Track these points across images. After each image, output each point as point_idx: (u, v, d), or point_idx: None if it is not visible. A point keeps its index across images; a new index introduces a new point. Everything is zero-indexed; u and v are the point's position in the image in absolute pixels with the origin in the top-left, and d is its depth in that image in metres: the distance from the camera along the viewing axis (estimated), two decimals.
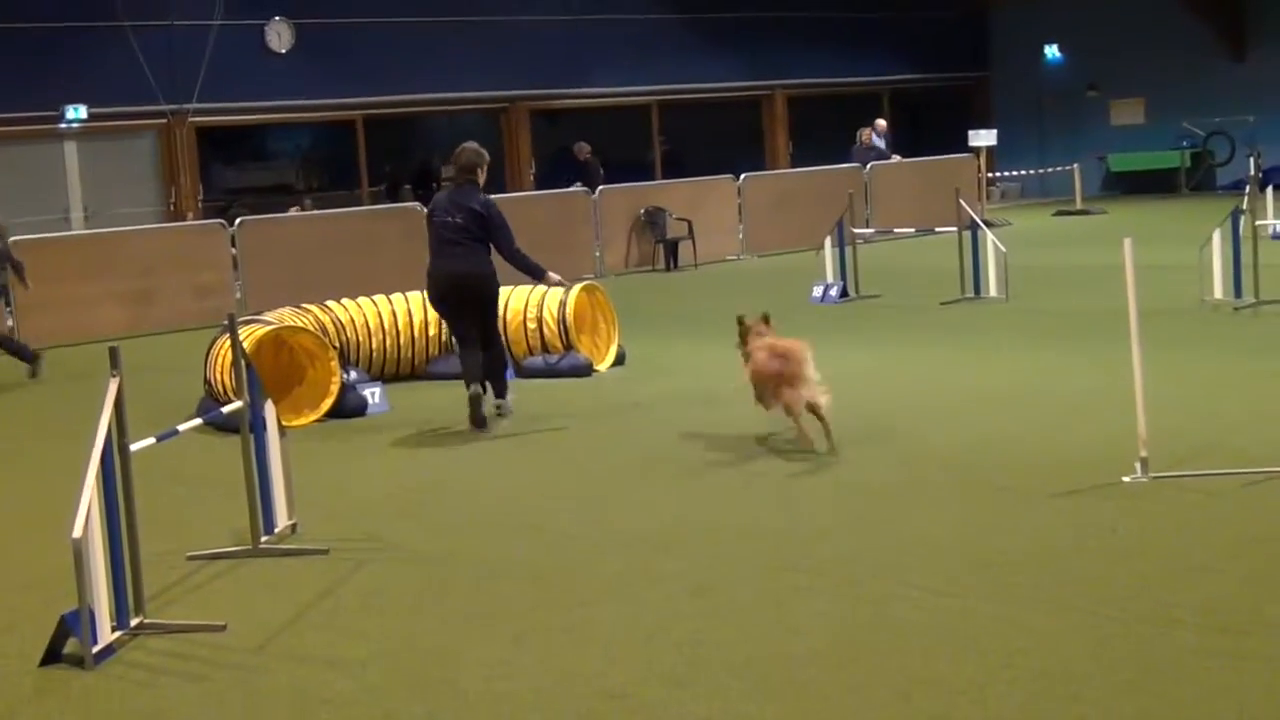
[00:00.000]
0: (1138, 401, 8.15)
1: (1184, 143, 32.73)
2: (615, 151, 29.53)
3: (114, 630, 6.43)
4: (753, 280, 21.53)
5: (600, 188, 24.28)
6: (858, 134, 28.57)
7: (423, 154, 31.34)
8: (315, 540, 8.01)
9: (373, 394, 12.22)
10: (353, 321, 13.43)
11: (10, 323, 18.23)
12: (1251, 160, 18.08)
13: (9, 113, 23.03)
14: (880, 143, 28.53)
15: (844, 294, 17.76)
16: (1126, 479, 8.12)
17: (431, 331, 13.75)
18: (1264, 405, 10.12)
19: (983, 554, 7.02)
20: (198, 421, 8.40)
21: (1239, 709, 5.06)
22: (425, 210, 11.69)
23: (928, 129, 34.03)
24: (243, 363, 7.89)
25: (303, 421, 11.63)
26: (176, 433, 7.61)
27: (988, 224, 18.45)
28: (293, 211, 23.98)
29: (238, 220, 20.64)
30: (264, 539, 7.89)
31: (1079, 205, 29.56)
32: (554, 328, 13.58)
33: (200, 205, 25.08)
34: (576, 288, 13.83)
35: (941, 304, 16.45)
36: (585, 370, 13.43)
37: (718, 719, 5.29)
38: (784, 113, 32.40)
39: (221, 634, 6.54)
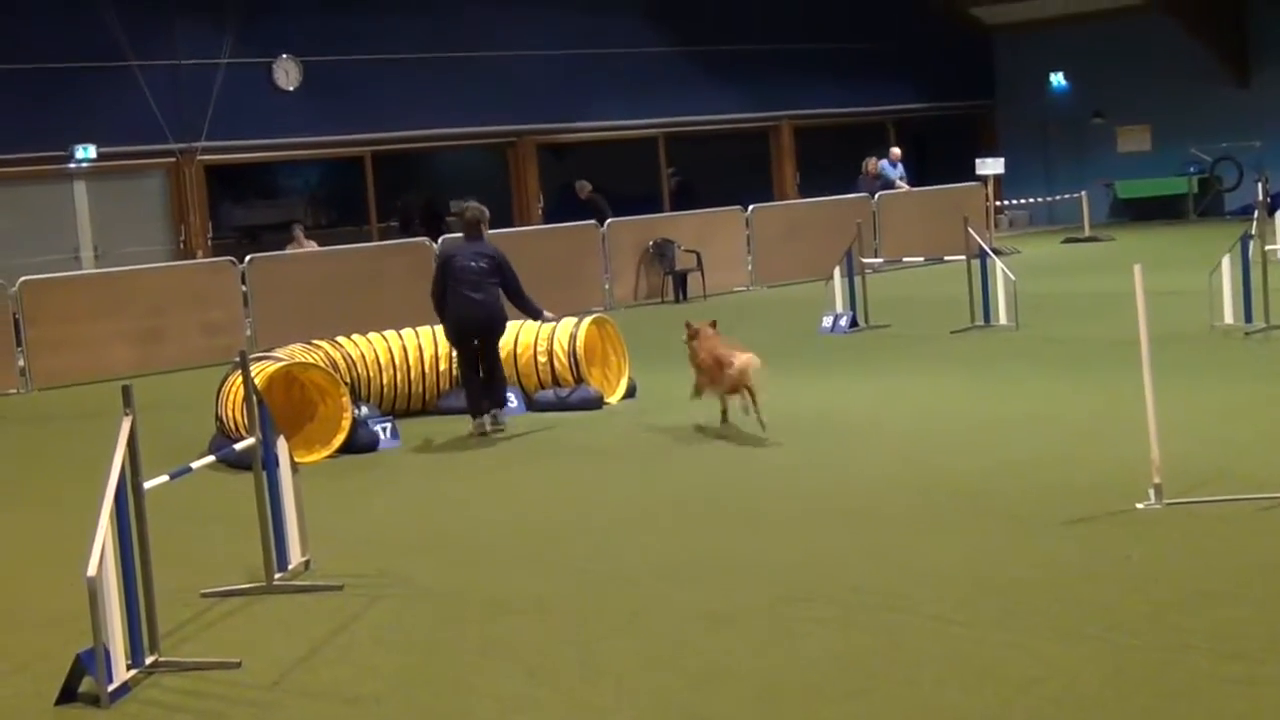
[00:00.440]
0: (1150, 428, 8.15)
1: (1191, 169, 32.73)
2: (622, 184, 29.57)
3: (129, 668, 6.44)
4: (762, 311, 21.53)
5: (609, 220, 24.32)
6: (864, 164, 28.59)
7: (431, 189, 31.42)
8: (329, 576, 8.02)
9: (384, 429, 12.24)
10: (363, 357, 13.45)
11: None
12: (1259, 185, 18.05)
13: (18, 153, 23.12)
14: (894, 172, 28.53)
15: (854, 324, 17.77)
16: (1139, 505, 8.12)
17: (442, 366, 13.77)
18: (1276, 430, 10.11)
19: (995, 582, 7.02)
20: (210, 459, 8.43)
21: None
22: (438, 253, 12.43)
23: (934, 158, 34.07)
24: (255, 399, 7.92)
25: (314, 458, 11.65)
26: (190, 470, 7.63)
27: (996, 252, 18.46)
28: (295, 229, 24.03)
29: (248, 258, 20.68)
30: (278, 575, 7.90)
31: (1087, 232, 29.57)
32: (564, 361, 13.60)
33: (209, 243, 25.15)
34: (587, 320, 13.86)
35: (952, 333, 16.46)
36: (596, 403, 13.44)
37: None
38: (791, 143, 32.45)
39: (236, 671, 6.55)
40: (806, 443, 11.01)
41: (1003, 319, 16.62)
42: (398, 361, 13.64)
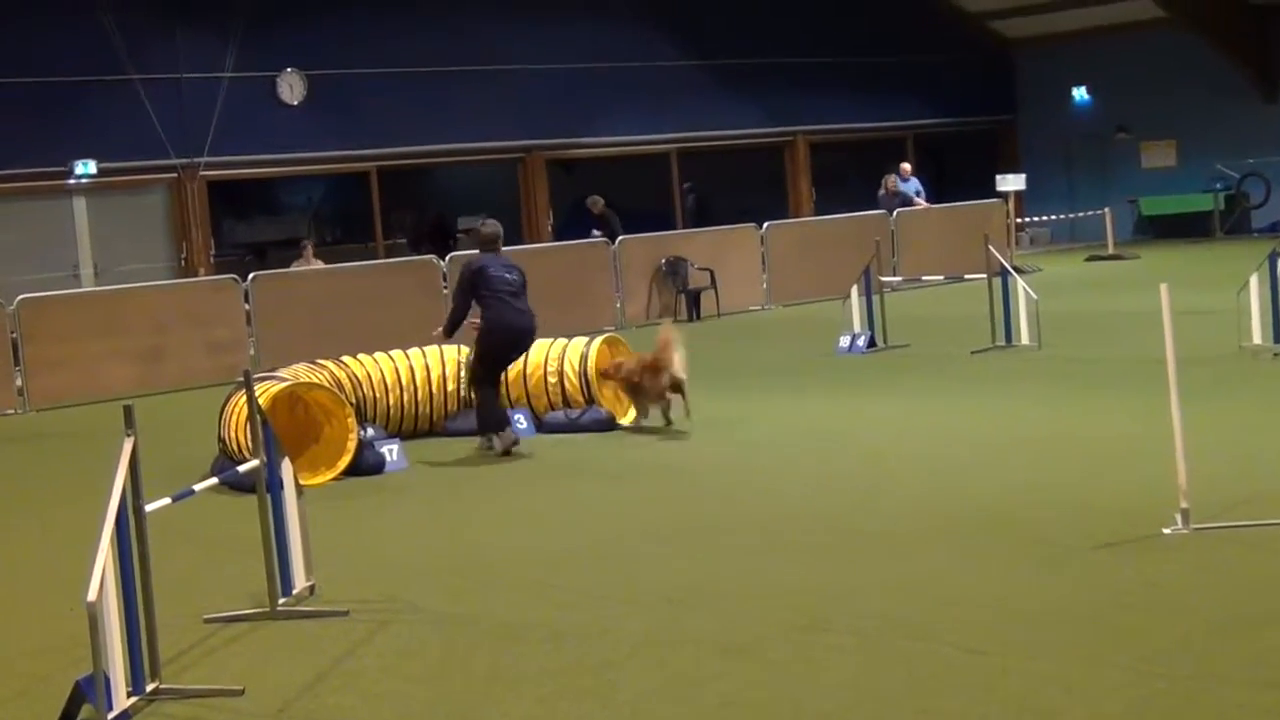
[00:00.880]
0: (1177, 451, 8.13)
1: (1217, 185, 32.72)
2: (634, 200, 29.60)
3: (130, 696, 6.43)
4: (777, 331, 21.54)
5: (620, 237, 24.34)
6: (883, 180, 28.56)
7: (439, 206, 31.46)
8: (334, 602, 8.01)
9: (390, 451, 12.24)
10: (369, 377, 13.46)
11: None
12: None
13: (17, 168, 23.22)
14: (910, 187, 28.51)
15: (871, 344, 17.75)
16: (1167, 530, 8.09)
17: (450, 387, 13.78)
18: None
19: (1019, 609, 6.99)
20: (213, 481, 8.42)
21: None
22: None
23: (954, 174, 34.09)
24: (259, 420, 7.92)
25: (319, 480, 11.65)
26: (192, 492, 7.62)
27: (1018, 270, 18.45)
28: (305, 246, 24.13)
29: (251, 275, 20.70)
30: (282, 601, 7.89)
31: (1111, 250, 29.54)
32: (575, 381, 13.60)
33: (212, 260, 25.20)
34: (598, 340, 13.87)
35: (972, 353, 16.44)
36: (607, 425, 13.42)
37: None
38: (806, 159, 32.50)
39: (240, 699, 6.54)
40: (824, 466, 10.99)
41: (1024, 339, 16.60)
42: (404, 382, 13.64)
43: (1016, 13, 34.14)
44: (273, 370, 13.40)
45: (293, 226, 29.39)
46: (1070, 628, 6.66)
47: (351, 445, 11.98)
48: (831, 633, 6.87)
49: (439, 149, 27.88)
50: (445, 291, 21.19)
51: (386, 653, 7.11)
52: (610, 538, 9.26)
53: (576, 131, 29.18)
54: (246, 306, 20.36)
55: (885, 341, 17.83)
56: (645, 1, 29.82)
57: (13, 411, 18.06)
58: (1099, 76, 34.28)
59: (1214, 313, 16.02)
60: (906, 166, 29.43)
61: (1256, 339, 14.83)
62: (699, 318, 23.78)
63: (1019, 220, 31.43)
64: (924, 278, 22.69)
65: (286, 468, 8.15)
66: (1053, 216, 33.44)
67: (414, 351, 13.95)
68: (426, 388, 13.76)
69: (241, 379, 8.24)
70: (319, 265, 23.26)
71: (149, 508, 6.69)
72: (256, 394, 8.29)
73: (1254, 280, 14.79)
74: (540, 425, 13.46)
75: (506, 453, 12.35)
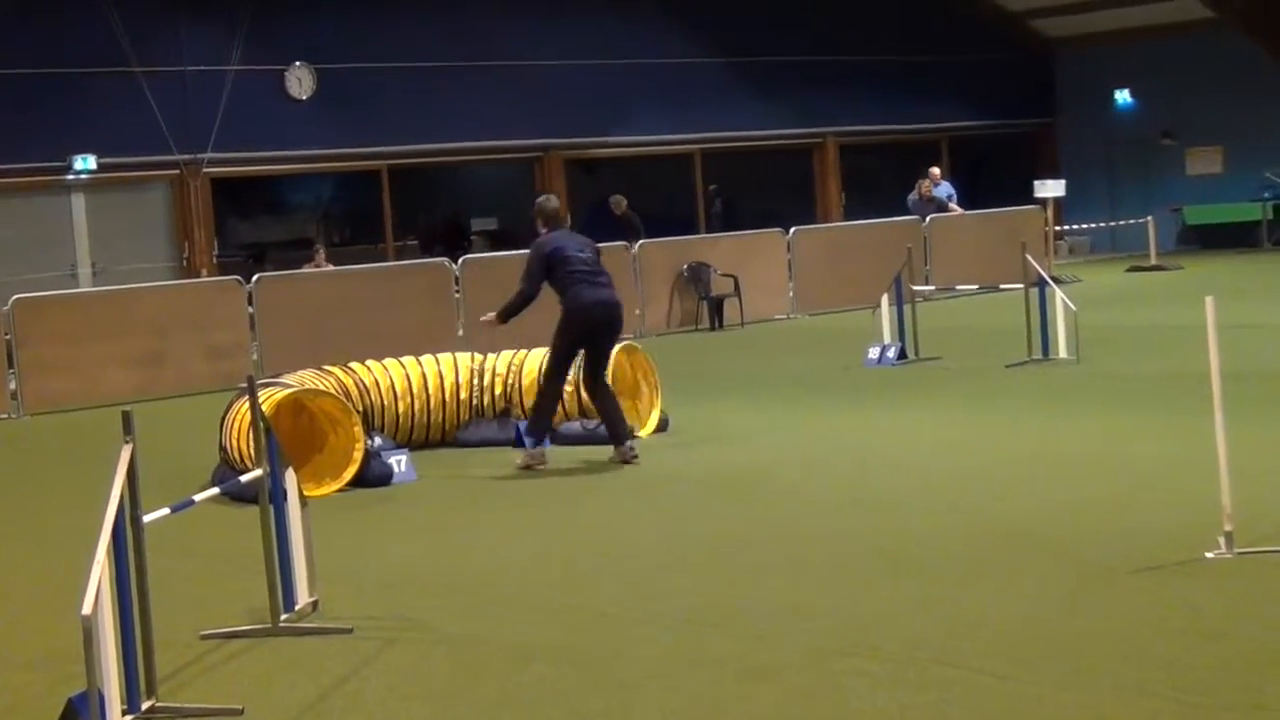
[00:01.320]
0: (1221, 472, 8.11)
1: (1265, 194, 32.64)
2: (656, 202, 29.60)
3: (124, 714, 6.44)
4: (804, 341, 21.54)
5: (640, 242, 24.35)
6: (917, 185, 28.52)
7: (452, 206, 31.52)
8: (338, 619, 8.02)
9: (399, 462, 12.24)
10: (377, 384, 13.47)
11: None
12: None
13: (14, 163, 23.30)
14: (939, 191, 28.46)
15: (902, 355, 17.73)
16: (1209, 554, 8.07)
17: (463, 395, 13.79)
18: None
19: (1054, 634, 6.98)
20: (214, 491, 8.44)
21: None
22: (535, 245, 12.50)
23: (990, 179, 34.03)
24: (262, 428, 7.93)
25: (323, 491, 11.66)
26: (192, 503, 7.64)
27: (1056, 280, 18.42)
28: (317, 249, 24.24)
29: (255, 277, 20.75)
30: (283, 617, 7.90)
31: (1153, 260, 29.49)
32: None
33: (215, 261, 25.27)
34: (615, 348, 13.85)
35: (1007, 366, 16.41)
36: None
37: None
38: (836, 161, 32.49)
39: (238, 718, 6.55)
40: (851, 483, 10.99)
41: (1062, 352, 16.58)
42: (415, 389, 13.65)
43: (1058, 11, 34.10)
44: (277, 376, 13.42)
45: (300, 226, 29.48)
46: (1106, 655, 6.65)
47: (358, 455, 11.99)
48: (856, 656, 6.86)
49: (453, 147, 27.94)
50: (457, 295, 21.26)
51: (392, 673, 7.12)
52: (626, 555, 9.27)
53: (597, 130, 29.21)
54: (250, 309, 20.39)
55: (916, 353, 17.82)
56: None
57: (6, 416, 18.12)
58: (1143, 79, 34.21)
59: (1261, 327, 16.00)
60: (936, 171, 29.38)
61: None
62: (721, 326, 23.78)
63: (1058, 228, 31.38)
64: (958, 287, 22.67)
65: (290, 478, 8.16)
66: (1093, 225, 33.39)
67: (426, 358, 13.96)
68: (438, 395, 13.76)
69: (244, 385, 8.26)
70: (331, 269, 23.32)
71: (147, 518, 6.70)
72: (260, 401, 8.31)
73: None
74: (555, 437, 13.46)
75: (528, 468, 12.30)
